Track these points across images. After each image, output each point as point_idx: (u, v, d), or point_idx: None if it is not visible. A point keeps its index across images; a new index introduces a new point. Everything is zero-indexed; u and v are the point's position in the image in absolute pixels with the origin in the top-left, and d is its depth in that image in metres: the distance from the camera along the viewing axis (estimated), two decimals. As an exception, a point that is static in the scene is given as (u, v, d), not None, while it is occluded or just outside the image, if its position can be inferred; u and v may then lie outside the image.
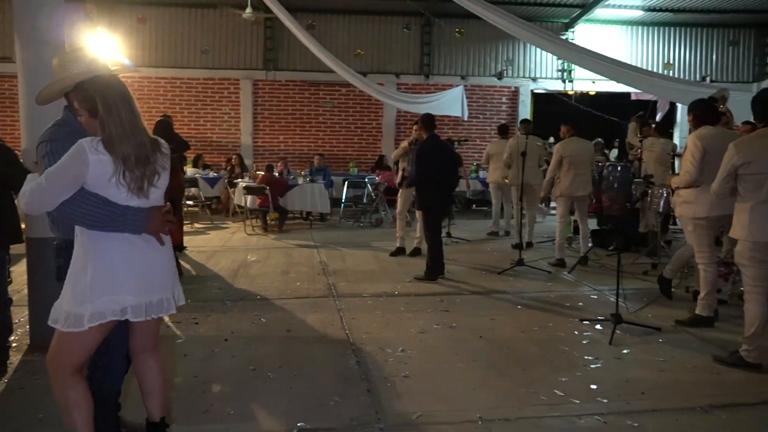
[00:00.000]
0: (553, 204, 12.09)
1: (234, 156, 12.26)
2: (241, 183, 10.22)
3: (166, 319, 4.66)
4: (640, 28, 13.89)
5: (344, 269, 6.88)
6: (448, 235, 8.76)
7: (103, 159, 2.23)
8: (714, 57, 14.13)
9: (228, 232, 9.52)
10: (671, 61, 13.96)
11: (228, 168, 12.10)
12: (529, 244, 8.24)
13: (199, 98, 13.22)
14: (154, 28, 12.80)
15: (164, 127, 7.14)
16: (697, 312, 4.79)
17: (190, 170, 11.58)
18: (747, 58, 14.22)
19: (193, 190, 10.58)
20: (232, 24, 12.80)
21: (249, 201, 9.74)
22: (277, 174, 10.44)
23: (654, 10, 12.96)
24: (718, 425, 3.11)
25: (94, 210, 2.25)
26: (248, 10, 10.66)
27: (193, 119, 13.20)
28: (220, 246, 8.29)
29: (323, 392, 3.44)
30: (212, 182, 11.38)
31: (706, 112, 4.84)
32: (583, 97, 14.18)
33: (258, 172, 10.79)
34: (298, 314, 5.06)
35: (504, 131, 9.49)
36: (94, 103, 2.28)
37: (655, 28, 13.93)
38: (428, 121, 6.70)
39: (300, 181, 10.45)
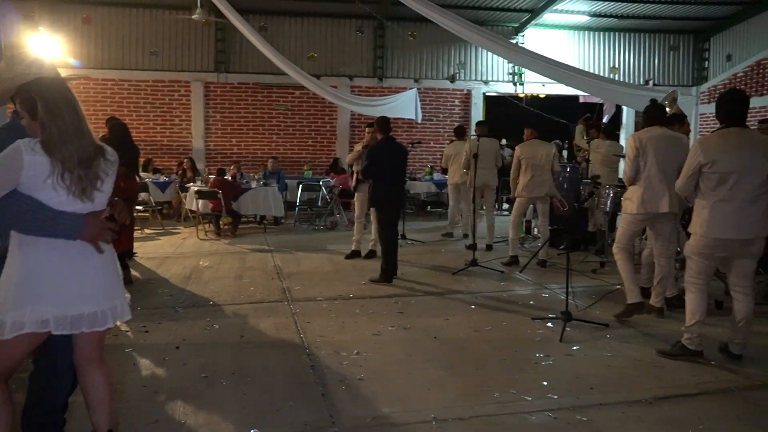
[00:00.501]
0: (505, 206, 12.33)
1: (185, 160, 12.02)
2: (193, 187, 10.03)
3: (121, 326, 4.53)
4: (586, 33, 14.28)
5: (299, 273, 6.84)
6: (403, 236, 8.80)
7: (38, 160, 2.16)
8: (656, 61, 14.65)
9: (180, 238, 9.33)
10: (616, 65, 14.41)
11: (179, 172, 11.85)
12: (489, 247, 8.33)
13: (149, 101, 12.91)
14: (100, 29, 12.43)
15: (121, 127, 6.84)
16: (628, 302, 4.98)
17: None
18: (686, 62, 14.80)
19: (143, 195, 10.32)
20: (181, 25, 12.55)
21: (201, 205, 9.57)
22: (229, 177, 10.30)
23: (599, 15, 13.35)
24: (662, 417, 3.22)
25: (24, 213, 2.17)
26: (198, 11, 10.48)
27: (143, 122, 12.87)
28: (171, 252, 8.11)
29: (277, 397, 3.41)
30: (163, 187, 11.14)
31: (652, 114, 5.04)
32: (534, 99, 14.49)
33: (210, 176, 10.62)
34: (251, 319, 5.00)
35: (461, 133, 9.54)
36: (35, 105, 2.23)
37: (601, 33, 14.36)
38: (383, 123, 6.74)
39: (253, 184, 10.33)
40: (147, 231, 9.78)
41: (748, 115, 4.08)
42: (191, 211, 10.04)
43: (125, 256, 6.24)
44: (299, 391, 3.53)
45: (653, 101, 5.27)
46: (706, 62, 14.65)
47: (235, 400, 3.38)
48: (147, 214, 10.67)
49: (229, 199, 9.50)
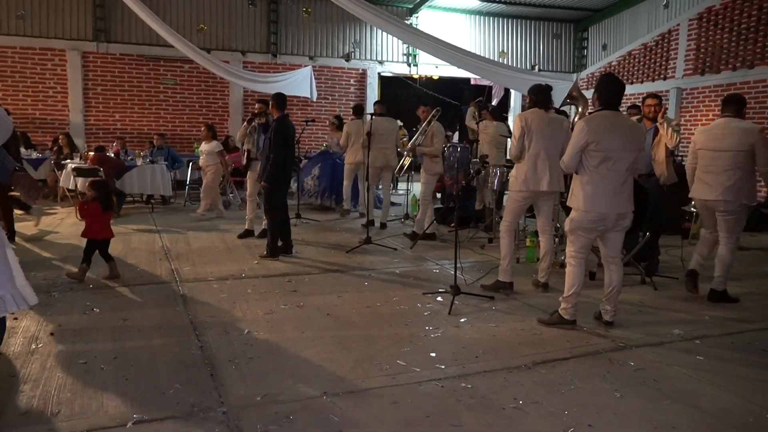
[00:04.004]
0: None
1: (62, 135, 11.15)
2: (70, 164, 9.35)
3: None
4: (477, 17, 14.72)
5: (188, 253, 6.60)
6: (298, 215, 8.73)
7: None
8: (541, 48, 15.42)
9: (56, 218, 8.69)
10: (505, 50, 15.01)
11: (55, 148, 10.99)
12: (384, 225, 8.44)
13: (17, 69, 11.82)
14: (-44, -13, 11.21)
15: None
16: (499, 278, 5.29)
17: (7, 150, 10.37)
18: (568, 50, 15.70)
19: (13, 172, 9.47)
20: (53, -12, 11.57)
21: (80, 184, 8.94)
22: (112, 154, 9.69)
23: (489, 0, 13.81)
24: (539, 380, 3.44)
25: None
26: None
27: (10, 93, 11.78)
28: (46, 233, 7.54)
29: (162, 381, 3.28)
30: (36, 164, 10.29)
31: (540, 97, 5.25)
32: (428, 81, 14.77)
33: (90, 153, 9.94)
34: (136, 302, 4.78)
35: (359, 112, 9.49)
36: None
37: (491, 18, 14.86)
38: (281, 100, 6.59)
39: (139, 161, 9.79)
40: (18, 212, 8.98)
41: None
42: (69, 190, 9.36)
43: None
44: (186, 373, 3.42)
45: (539, 85, 5.42)
46: (585, 50, 15.62)
47: (115, 386, 3.21)
48: (17, 193, 9.81)
49: (112, 176, 8.95)
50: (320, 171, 10.11)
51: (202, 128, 9.36)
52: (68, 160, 10.02)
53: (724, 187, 4.91)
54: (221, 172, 9.29)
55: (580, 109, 7.04)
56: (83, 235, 5.47)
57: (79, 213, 5.42)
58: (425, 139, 7.33)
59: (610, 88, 4.26)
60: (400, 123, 13.46)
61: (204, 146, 9.05)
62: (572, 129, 4.58)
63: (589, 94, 5.40)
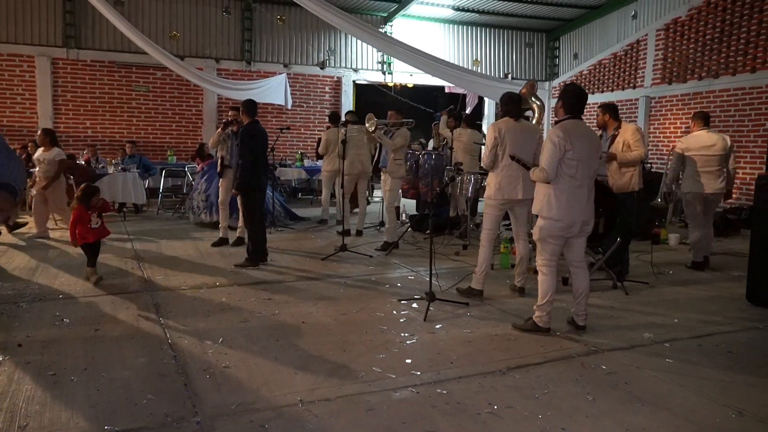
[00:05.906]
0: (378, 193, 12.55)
1: (30, 143, 10.93)
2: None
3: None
4: (451, 26, 14.88)
5: (161, 262, 6.52)
6: (273, 223, 8.69)
7: None
8: (514, 56, 15.64)
9: (25, 227, 8.50)
10: (479, 59, 15.18)
11: (24, 156, 10.75)
12: (360, 233, 8.45)
13: (-17, 76, 11.59)
14: None
15: None
16: (471, 285, 5.35)
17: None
18: (540, 58, 15.96)
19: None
20: (20, -8, 11.38)
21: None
22: (83, 162, 9.54)
23: (462, 9, 13.98)
24: (513, 385, 3.48)
25: None
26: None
27: (-23, 100, 11.54)
28: (13, 242, 7.39)
29: (135, 391, 3.24)
30: (3, 172, 10.05)
31: (511, 107, 5.31)
32: (403, 88, 14.86)
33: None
34: (108, 311, 4.70)
35: (336, 119, 9.46)
36: None
37: (465, 27, 15.04)
38: (250, 106, 6.56)
39: (110, 169, 9.66)
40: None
41: (588, 108, 4.53)
42: (38, 199, 9.16)
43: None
44: (160, 382, 3.38)
45: (509, 94, 5.51)
46: (557, 59, 15.89)
47: (86, 397, 3.16)
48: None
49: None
50: (207, 184, 8.90)
51: (38, 133, 8.15)
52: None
53: (721, 182, 6.43)
54: (63, 185, 7.95)
55: (536, 115, 7.19)
56: (85, 241, 5.49)
57: (101, 220, 5.50)
58: (390, 135, 7.36)
59: (572, 99, 4.35)
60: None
61: (41, 154, 7.82)
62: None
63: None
